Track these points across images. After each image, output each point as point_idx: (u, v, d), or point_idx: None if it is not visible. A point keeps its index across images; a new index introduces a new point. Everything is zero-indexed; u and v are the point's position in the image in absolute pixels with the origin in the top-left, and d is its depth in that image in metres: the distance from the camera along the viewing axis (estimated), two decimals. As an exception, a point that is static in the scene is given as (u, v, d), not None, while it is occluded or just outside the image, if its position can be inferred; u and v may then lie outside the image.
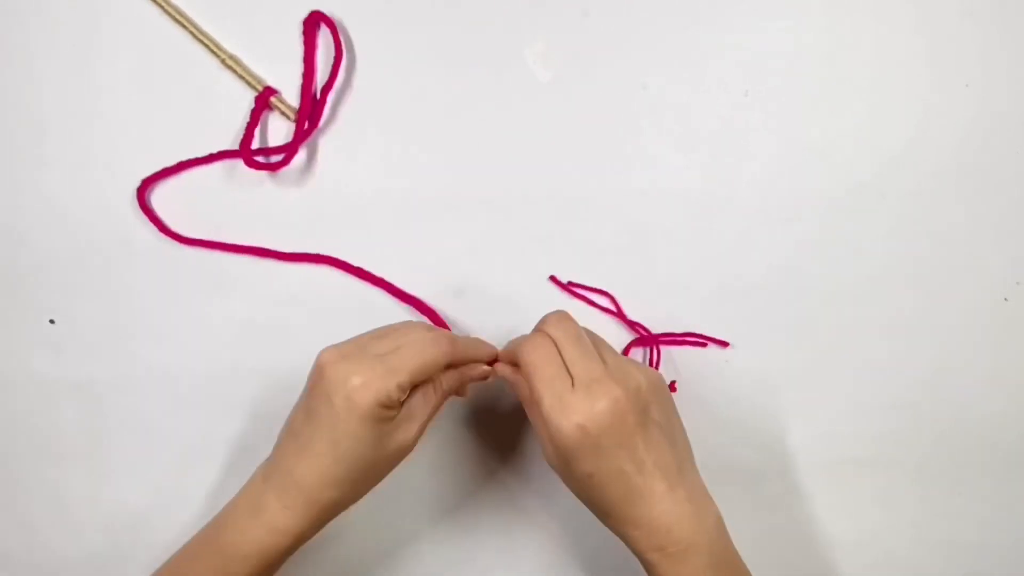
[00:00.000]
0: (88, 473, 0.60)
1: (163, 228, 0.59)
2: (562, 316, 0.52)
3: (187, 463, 0.60)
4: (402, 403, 0.49)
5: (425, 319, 0.59)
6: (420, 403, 0.50)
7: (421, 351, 0.49)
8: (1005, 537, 0.60)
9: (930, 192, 0.60)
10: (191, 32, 0.59)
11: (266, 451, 0.60)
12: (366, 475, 0.50)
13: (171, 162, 0.59)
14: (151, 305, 0.60)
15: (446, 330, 0.55)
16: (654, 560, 0.48)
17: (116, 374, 0.60)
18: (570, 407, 0.47)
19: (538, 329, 0.52)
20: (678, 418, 0.52)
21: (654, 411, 0.49)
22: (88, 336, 0.60)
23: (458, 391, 0.55)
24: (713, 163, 0.59)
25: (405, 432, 0.50)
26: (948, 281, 0.60)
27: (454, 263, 0.60)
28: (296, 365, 0.59)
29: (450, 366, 0.52)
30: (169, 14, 0.59)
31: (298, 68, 0.59)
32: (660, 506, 0.48)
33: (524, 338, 0.51)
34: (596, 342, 0.51)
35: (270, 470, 0.50)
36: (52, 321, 0.60)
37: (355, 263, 0.60)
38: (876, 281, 0.60)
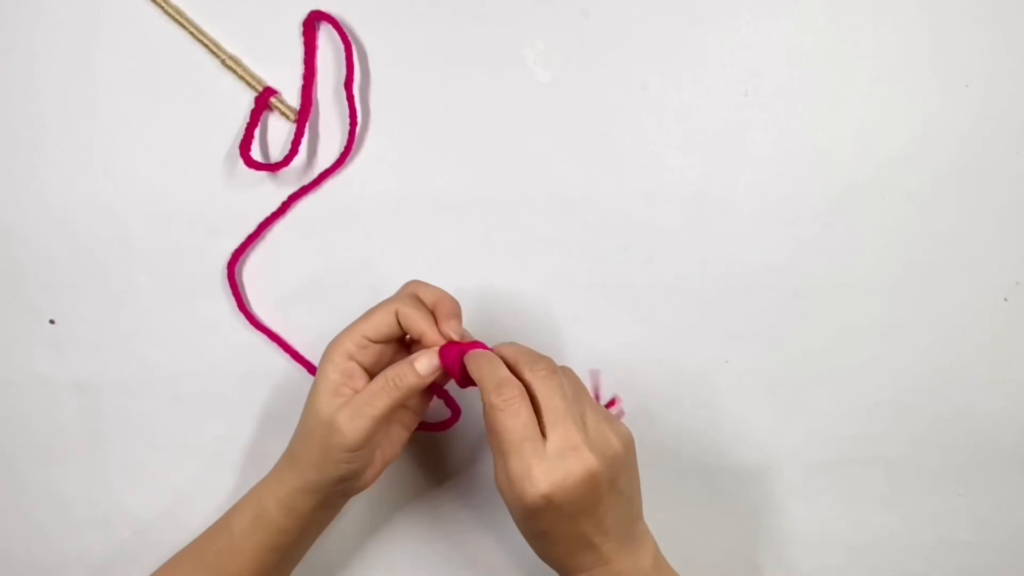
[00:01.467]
0: (88, 473, 0.60)
1: (242, 305, 0.59)
2: (566, 371, 0.50)
3: (187, 463, 0.60)
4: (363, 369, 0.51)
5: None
6: (371, 390, 0.49)
7: (370, 311, 0.51)
8: (1004, 537, 0.60)
9: (930, 192, 0.60)
10: (191, 32, 0.59)
11: (266, 450, 0.60)
12: (323, 439, 0.49)
13: (171, 162, 0.59)
14: (151, 305, 0.60)
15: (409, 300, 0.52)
16: None
17: (116, 374, 0.60)
18: (538, 476, 0.45)
19: (530, 370, 0.48)
20: (638, 474, 0.51)
21: (622, 478, 0.48)
22: (88, 336, 0.60)
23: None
24: (713, 163, 0.59)
25: (349, 413, 0.49)
26: (948, 281, 0.60)
27: (454, 263, 0.60)
28: (295, 364, 0.60)
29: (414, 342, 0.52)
30: (169, 14, 0.59)
31: (298, 68, 0.59)
32: (610, 562, 0.48)
33: (500, 379, 0.47)
34: (582, 398, 0.49)
35: None
36: (52, 321, 0.60)
37: (354, 263, 0.60)
38: (876, 281, 0.60)
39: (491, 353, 0.50)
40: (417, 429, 0.55)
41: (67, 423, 0.60)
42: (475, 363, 0.49)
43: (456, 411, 0.58)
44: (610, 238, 0.60)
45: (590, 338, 0.60)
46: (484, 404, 0.47)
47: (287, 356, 0.59)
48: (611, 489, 0.47)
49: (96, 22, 0.59)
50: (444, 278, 0.59)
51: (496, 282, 0.60)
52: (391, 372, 0.50)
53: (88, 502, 0.60)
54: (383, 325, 0.50)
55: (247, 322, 0.59)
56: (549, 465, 0.45)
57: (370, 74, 0.59)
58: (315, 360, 0.59)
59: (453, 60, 0.59)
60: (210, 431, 0.60)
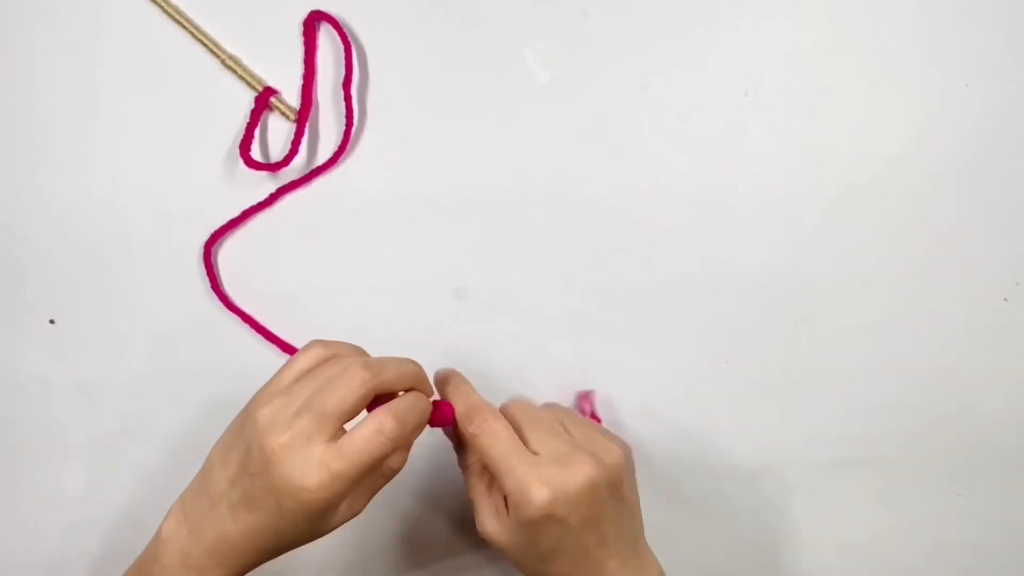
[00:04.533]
0: (88, 473, 0.60)
1: (216, 285, 0.59)
2: (519, 401, 0.49)
3: (186, 464, 0.59)
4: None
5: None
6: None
7: (339, 392, 0.44)
8: (1005, 537, 0.60)
9: (930, 192, 0.60)
10: (191, 32, 0.59)
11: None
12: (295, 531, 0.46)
13: (171, 162, 0.59)
14: (151, 306, 0.60)
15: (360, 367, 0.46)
16: None
17: (116, 374, 0.60)
18: (536, 485, 0.44)
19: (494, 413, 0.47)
20: (636, 486, 0.51)
21: (624, 487, 0.48)
22: (88, 336, 0.60)
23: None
24: (713, 163, 0.59)
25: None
26: (948, 281, 0.60)
27: (454, 263, 0.60)
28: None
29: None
30: (169, 14, 0.59)
31: (298, 68, 0.59)
32: None
33: (470, 405, 0.47)
34: (563, 416, 0.49)
35: (199, 524, 0.47)
36: (52, 321, 0.60)
37: (354, 263, 0.60)
38: (876, 281, 0.60)
39: (456, 380, 0.49)
40: None
41: (67, 423, 0.60)
42: (448, 394, 0.48)
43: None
44: (610, 238, 0.60)
45: (590, 339, 0.60)
46: (465, 439, 0.47)
47: (280, 351, 0.59)
48: (613, 498, 0.46)
49: (96, 22, 0.59)
50: (443, 278, 0.59)
51: (495, 282, 0.60)
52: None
53: (88, 502, 0.60)
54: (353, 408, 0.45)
55: (221, 304, 0.59)
56: (544, 472, 0.44)
57: (369, 74, 0.59)
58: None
59: (453, 60, 0.59)
60: (210, 431, 0.59)
